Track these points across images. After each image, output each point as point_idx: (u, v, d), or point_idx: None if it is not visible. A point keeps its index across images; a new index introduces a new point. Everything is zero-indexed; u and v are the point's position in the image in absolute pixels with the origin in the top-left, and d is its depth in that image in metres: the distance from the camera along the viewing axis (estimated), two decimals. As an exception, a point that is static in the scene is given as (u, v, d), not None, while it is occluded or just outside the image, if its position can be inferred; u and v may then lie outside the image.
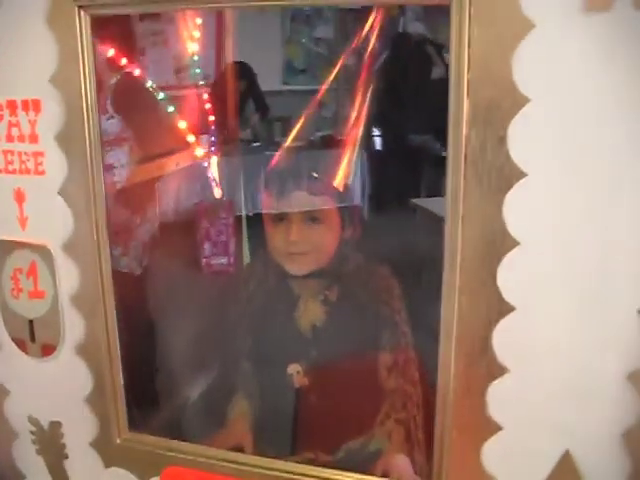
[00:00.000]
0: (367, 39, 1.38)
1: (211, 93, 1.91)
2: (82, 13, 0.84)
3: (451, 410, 0.80)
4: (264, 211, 1.17)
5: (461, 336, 0.77)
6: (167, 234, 1.66)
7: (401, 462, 1.05)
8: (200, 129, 1.81)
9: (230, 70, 2.50)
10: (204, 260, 1.96)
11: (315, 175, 1.14)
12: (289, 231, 1.12)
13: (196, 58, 1.58)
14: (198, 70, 1.69)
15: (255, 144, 3.12)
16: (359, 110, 1.34)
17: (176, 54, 1.68)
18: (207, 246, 1.97)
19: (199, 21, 1.65)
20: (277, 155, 1.22)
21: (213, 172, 1.84)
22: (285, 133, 2.12)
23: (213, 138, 1.85)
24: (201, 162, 1.78)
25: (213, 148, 1.84)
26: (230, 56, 2.53)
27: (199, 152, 1.75)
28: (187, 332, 1.41)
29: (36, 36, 0.87)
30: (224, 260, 2.00)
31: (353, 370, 1.13)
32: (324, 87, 1.60)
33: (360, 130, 1.31)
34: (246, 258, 1.94)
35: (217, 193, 1.88)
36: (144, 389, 1.14)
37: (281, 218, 1.13)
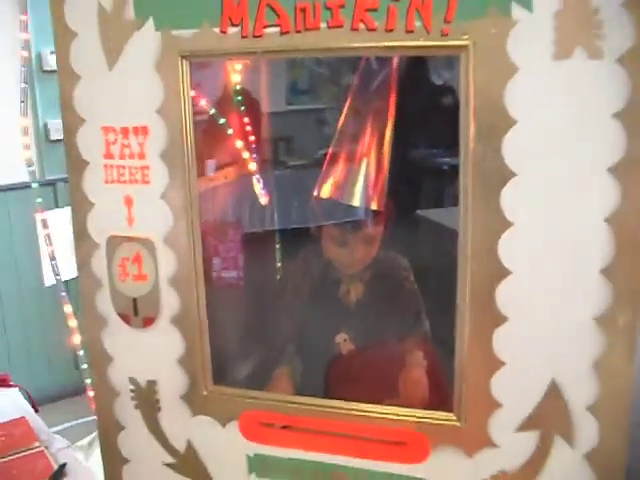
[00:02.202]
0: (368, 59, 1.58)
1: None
2: (184, 61, 1.13)
3: (466, 350, 1.07)
4: (324, 234, 1.53)
5: (472, 294, 1.05)
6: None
7: (418, 374, 1.38)
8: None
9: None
10: (214, 274, 2.21)
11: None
12: (353, 254, 1.49)
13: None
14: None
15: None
16: (368, 128, 1.59)
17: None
18: (216, 261, 2.22)
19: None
20: (320, 181, 1.51)
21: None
22: (288, 152, 2.33)
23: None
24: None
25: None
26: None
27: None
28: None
29: (147, 78, 1.14)
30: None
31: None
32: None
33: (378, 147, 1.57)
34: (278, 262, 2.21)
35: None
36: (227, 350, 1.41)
37: (343, 244, 1.48)
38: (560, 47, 0.95)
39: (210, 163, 1.97)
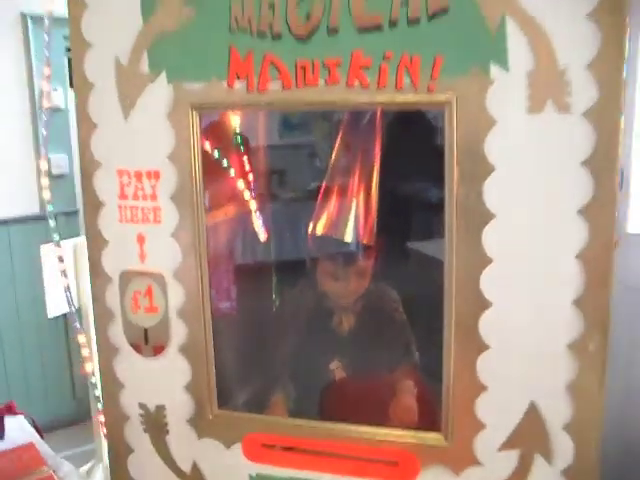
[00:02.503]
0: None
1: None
2: (194, 112, 1.24)
3: (452, 375, 1.17)
4: (319, 271, 1.64)
5: (457, 323, 1.15)
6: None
7: (408, 401, 1.48)
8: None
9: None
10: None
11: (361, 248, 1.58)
12: (347, 286, 1.59)
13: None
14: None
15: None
16: (359, 164, 1.69)
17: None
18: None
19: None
20: (314, 218, 1.62)
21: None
22: (281, 185, 2.43)
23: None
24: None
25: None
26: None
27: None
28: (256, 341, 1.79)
29: (159, 126, 1.25)
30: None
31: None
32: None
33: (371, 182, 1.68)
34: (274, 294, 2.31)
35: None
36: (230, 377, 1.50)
37: (337, 277, 1.58)
38: (533, 102, 1.07)
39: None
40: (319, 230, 1.60)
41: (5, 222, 3.28)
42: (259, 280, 1.98)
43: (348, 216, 1.59)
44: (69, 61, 3.27)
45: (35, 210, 3.32)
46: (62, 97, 3.31)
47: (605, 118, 1.05)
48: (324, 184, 1.65)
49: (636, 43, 2.67)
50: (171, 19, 1.22)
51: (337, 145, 1.68)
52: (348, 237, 1.56)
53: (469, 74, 1.09)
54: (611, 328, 1.11)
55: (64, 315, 2.75)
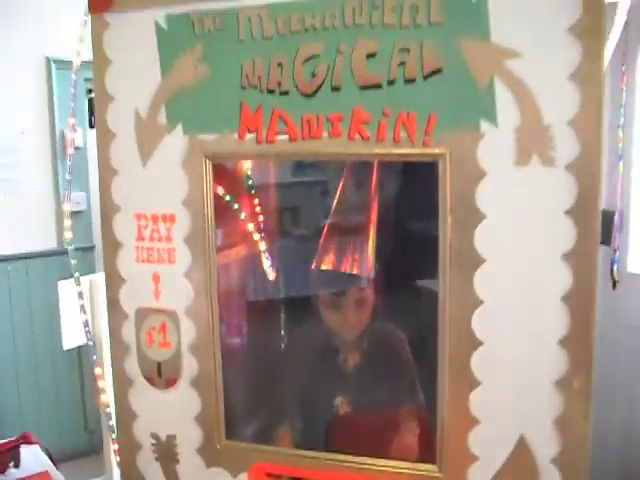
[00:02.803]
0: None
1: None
2: (207, 161, 1.34)
3: (446, 410, 1.24)
4: (321, 302, 1.72)
5: (450, 361, 1.23)
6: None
7: (409, 439, 1.54)
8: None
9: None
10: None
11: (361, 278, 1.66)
12: (346, 318, 1.66)
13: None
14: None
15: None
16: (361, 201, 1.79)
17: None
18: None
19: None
20: (318, 253, 1.71)
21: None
22: (294, 222, 2.52)
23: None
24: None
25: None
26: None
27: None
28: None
29: (175, 174, 1.35)
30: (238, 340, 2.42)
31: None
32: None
33: (376, 217, 1.76)
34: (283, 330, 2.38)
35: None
36: (238, 409, 1.58)
37: (337, 307, 1.67)
38: (520, 156, 1.16)
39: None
40: (323, 264, 1.68)
41: (23, 257, 3.40)
42: (268, 317, 2.06)
43: (348, 249, 1.68)
44: (89, 102, 3.41)
45: (52, 245, 3.44)
46: (81, 137, 3.44)
47: (586, 171, 1.13)
48: (329, 220, 1.75)
49: (633, 87, 2.77)
50: (187, 76, 1.33)
51: (341, 185, 1.77)
52: (348, 269, 1.65)
53: (461, 129, 1.18)
54: (595, 366, 1.18)
55: (78, 348, 2.85)
